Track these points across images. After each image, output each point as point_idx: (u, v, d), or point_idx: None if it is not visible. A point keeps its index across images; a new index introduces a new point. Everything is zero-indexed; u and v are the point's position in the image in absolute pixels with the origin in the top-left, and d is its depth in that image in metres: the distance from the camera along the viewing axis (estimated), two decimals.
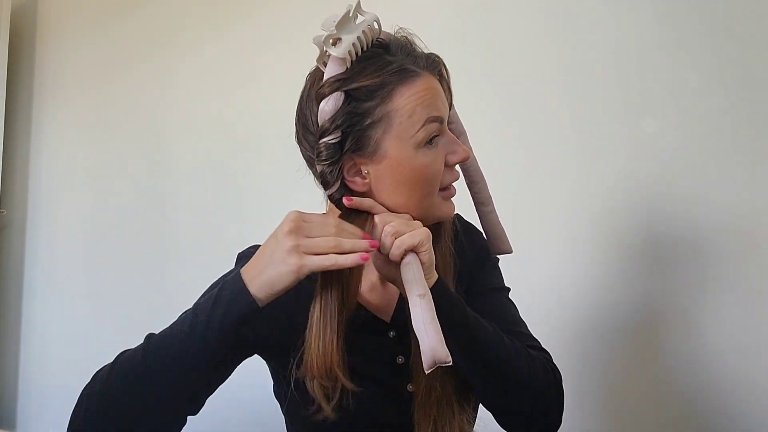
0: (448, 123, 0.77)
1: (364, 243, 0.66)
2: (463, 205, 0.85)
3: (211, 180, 1.91)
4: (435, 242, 0.77)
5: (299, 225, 0.65)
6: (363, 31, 0.69)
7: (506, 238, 0.84)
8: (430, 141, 0.71)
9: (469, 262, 0.85)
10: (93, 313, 2.21)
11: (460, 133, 0.80)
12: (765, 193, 1.05)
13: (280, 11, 1.79)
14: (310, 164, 0.76)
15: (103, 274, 2.20)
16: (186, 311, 0.69)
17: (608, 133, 1.21)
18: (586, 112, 1.24)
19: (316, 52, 0.73)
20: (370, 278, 0.82)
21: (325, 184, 0.72)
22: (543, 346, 0.82)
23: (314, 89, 0.73)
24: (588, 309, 1.21)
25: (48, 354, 2.35)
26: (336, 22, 0.67)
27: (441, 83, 0.75)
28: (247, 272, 0.66)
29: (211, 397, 0.74)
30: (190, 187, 1.97)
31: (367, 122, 0.70)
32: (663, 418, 1.12)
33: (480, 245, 0.88)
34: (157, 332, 0.70)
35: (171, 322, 0.71)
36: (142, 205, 2.10)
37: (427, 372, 0.63)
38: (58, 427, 2.44)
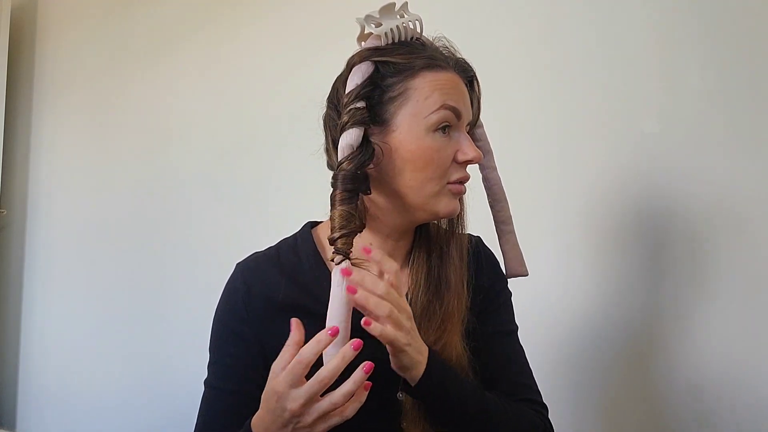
0: (475, 140, 0.82)
1: (358, 375, 0.64)
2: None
3: (210, 180, 1.91)
4: (443, 254, 0.81)
5: (299, 409, 0.64)
6: (403, 25, 0.76)
7: (523, 260, 0.86)
8: (443, 130, 0.74)
9: (486, 284, 0.85)
10: (93, 313, 2.21)
11: (486, 152, 0.84)
12: (765, 192, 1.04)
13: (281, 11, 1.79)
14: (334, 133, 0.76)
15: (103, 274, 2.20)
16: None
17: (607, 133, 1.21)
18: (586, 112, 1.23)
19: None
20: None
21: (340, 153, 0.72)
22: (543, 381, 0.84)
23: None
24: (585, 312, 1.21)
25: (48, 354, 2.36)
26: (380, 8, 0.75)
27: (469, 91, 0.79)
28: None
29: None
30: (190, 187, 1.97)
31: (387, 96, 0.74)
32: (661, 423, 1.11)
33: (500, 274, 0.89)
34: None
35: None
36: (142, 205, 2.10)
37: None
38: (58, 427, 2.45)
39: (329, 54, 1.64)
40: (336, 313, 0.67)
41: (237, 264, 0.84)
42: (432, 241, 0.83)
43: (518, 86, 1.32)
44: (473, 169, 0.84)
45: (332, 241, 0.70)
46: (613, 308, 1.18)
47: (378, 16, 0.76)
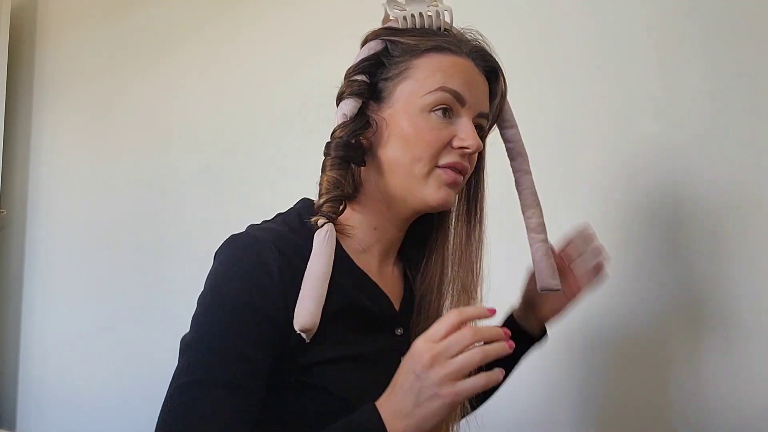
0: (506, 141, 0.81)
1: (501, 333, 0.61)
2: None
3: (211, 180, 1.91)
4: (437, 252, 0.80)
5: (438, 351, 0.59)
6: (428, 14, 0.75)
7: (555, 272, 0.81)
8: (443, 112, 0.72)
9: None
10: (93, 313, 2.21)
11: (518, 154, 0.81)
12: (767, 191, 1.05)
13: (281, 11, 1.79)
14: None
15: (103, 274, 2.20)
16: None
17: (607, 133, 1.21)
18: (584, 111, 1.23)
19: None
20: (374, 263, 0.78)
21: (342, 121, 0.73)
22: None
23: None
24: (587, 315, 1.21)
25: (48, 354, 2.35)
26: None
27: (493, 83, 0.78)
28: (390, 417, 0.60)
29: None
30: (190, 187, 1.97)
31: (391, 74, 0.74)
32: (668, 423, 1.12)
33: None
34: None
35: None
36: (142, 205, 2.10)
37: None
38: (58, 427, 2.44)
39: (330, 54, 1.63)
40: (316, 267, 0.65)
41: (246, 234, 0.73)
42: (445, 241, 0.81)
43: (518, 86, 1.31)
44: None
45: (318, 207, 0.69)
46: (616, 309, 1.18)
47: (403, 1, 0.76)
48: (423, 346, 0.60)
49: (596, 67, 1.23)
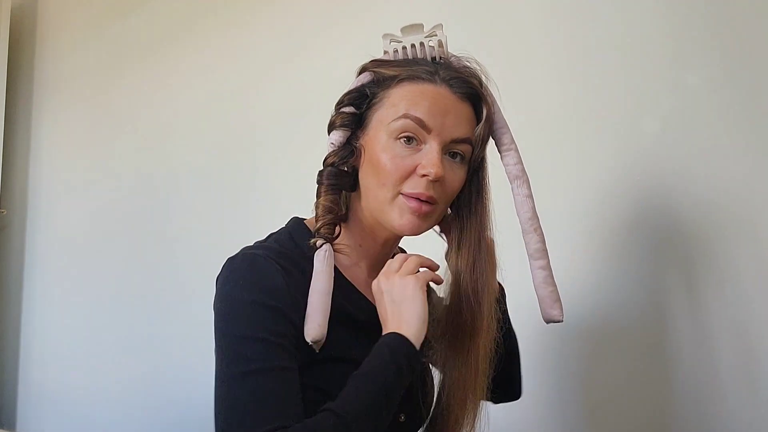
0: (504, 164, 0.82)
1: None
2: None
3: (211, 179, 1.91)
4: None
5: (389, 269, 0.76)
6: (421, 43, 0.79)
7: (556, 302, 0.82)
8: (408, 140, 0.74)
9: None
10: (93, 313, 2.22)
11: (515, 177, 0.82)
12: (766, 191, 1.04)
13: (281, 11, 1.79)
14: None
15: (103, 274, 2.20)
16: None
17: (608, 132, 1.21)
18: (585, 111, 1.24)
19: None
20: (362, 276, 0.82)
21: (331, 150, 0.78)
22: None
23: None
24: (584, 309, 1.21)
25: (48, 354, 2.36)
26: (401, 28, 0.79)
27: (477, 110, 0.79)
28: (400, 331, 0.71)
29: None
30: (190, 188, 1.97)
31: (371, 103, 0.78)
32: (657, 422, 1.12)
33: None
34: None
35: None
36: (142, 205, 2.10)
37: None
38: (58, 427, 2.44)
39: (329, 54, 1.63)
40: (321, 284, 0.71)
41: (243, 252, 0.74)
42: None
43: (519, 85, 1.32)
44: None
45: (317, 230, 0.76)
46: (615, 310, 1.18)
47: (399, 35, 0.80)
48: (380, 277, 0.75)
49: (597, 66, 1.23)
